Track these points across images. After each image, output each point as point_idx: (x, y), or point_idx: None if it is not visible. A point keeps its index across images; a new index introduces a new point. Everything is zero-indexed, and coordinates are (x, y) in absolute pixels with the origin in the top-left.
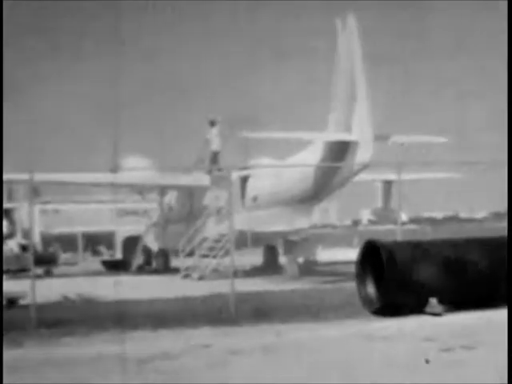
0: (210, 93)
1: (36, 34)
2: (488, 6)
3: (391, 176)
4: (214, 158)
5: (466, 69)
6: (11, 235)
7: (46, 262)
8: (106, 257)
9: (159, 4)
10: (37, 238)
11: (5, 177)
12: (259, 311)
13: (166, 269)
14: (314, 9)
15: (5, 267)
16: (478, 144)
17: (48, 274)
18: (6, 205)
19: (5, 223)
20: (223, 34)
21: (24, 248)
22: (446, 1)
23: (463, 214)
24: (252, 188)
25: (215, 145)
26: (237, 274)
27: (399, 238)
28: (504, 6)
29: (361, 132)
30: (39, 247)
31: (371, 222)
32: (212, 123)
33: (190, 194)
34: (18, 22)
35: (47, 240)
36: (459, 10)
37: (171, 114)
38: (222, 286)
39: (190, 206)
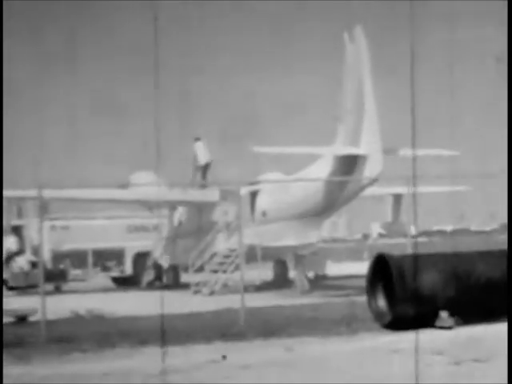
0: (215, 107)
1: (44, 40)
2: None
3: (401, 189)
4: (204, 171)
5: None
6: (21, 252)
7: (55, 278)
8: (116, 273)
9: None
10: (46, 255)
11: (14, 193)
12: (269, 326)
13: (176, 284)
14: (319, 21)
15: (14, 284)
16: (488, 156)
17: (58, 290)
18: (15, 221)
19: (14, 240)
20: (225, 44)
21: (33, 265)
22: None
23: (473, 227)
24: (261, 203)
25: (202, 157)
26: (247, 288)
27: (409, 251)
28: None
29: (370, 145)
30: (49, 264)
31: (381, 236)
32: (196, 139)
33: (200, 210)
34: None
35: (57, 256)
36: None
37: (177, 127)
38: (232, 301)
39: (200, 221)
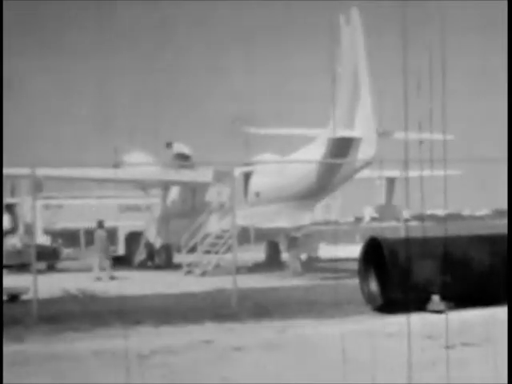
0: (210, 90)
1: (39, 28)
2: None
3: (394, 173)
4: (185, 158)
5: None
6: (13, 230)
7: (48, 257)
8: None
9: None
10: (39, 233)
11: (8, 171)
12: (261, 307)
13: (169, 265)
14: (312, 5)
15: (7, 262)
16: (481, 140)
17: (51, 268)
18: (8, 200)
19: (7, 218)
20: (221, 31)
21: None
22: None
23: (466, 212)
24: (255, 184)
25: (184, 148)
26: (239, 270)
27: (402, 234)
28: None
29: (364, 128)
30: (42, 242)
31: (374, 219)
32: (168, 144)
33: (193, 190)
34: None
35: (50, 235)
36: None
37: (173, 110)
38: (224, 282)
39: (193, 202)
